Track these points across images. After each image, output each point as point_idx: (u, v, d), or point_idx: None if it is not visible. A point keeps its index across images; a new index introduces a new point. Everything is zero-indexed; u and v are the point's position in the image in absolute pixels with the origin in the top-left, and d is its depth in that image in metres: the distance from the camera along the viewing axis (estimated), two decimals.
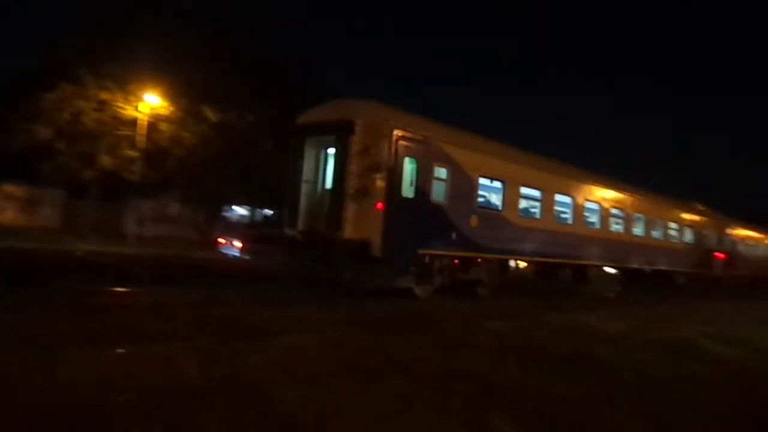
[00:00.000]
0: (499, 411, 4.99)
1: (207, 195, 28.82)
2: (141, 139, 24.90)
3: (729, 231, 28.39)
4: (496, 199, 14.91)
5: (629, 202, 20.29)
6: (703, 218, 25.77)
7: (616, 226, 19.68)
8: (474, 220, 13.55)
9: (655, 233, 22.20)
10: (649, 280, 21.62)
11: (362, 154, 11.41)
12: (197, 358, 5.78)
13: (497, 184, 14.60)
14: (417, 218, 12.04)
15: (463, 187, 13.28)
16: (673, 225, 23.59)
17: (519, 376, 6.46)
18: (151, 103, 24.90)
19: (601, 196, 18.65)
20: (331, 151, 12.29)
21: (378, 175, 11.38)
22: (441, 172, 12.71)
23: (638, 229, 20.99)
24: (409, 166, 12.03)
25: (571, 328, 10.47)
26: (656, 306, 16.52)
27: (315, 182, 12.73)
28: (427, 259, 12.61)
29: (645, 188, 22.59)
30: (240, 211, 38.35)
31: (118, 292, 10.51)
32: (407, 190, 11.99)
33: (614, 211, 19.37)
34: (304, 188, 12.60)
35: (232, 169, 27.64)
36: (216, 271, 16.51)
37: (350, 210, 11.33)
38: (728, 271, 27.48)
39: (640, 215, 21.04)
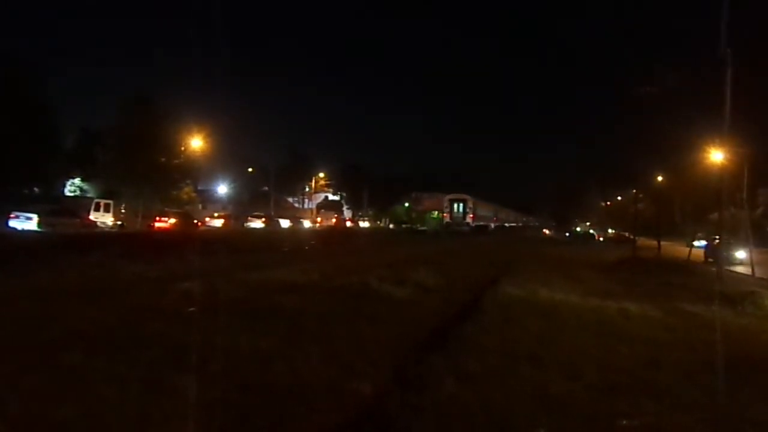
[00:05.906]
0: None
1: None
2: None
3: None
4: (486, 213, 66.07)
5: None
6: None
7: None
8: (483, 218, 64.45)
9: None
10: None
11: (467, 206, 61.43)
12: None
13: (488, 208, 65.95)
14: (477, 218, 62.32)
15: (482, 211, 64.28)
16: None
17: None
18: None
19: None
20: (461, 205, 62.07)
21: (471, 210, 61.43)
22: (480, 209, 63.70)
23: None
24: (474, 208, 62.34)
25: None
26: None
27: (456, 211, 62.31)
28: (475, 226, 62.73)
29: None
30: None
31: None
32: (476, 212, 62.36)
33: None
34: (452, 212, 62.20)
35: None
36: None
37: (466, 216, 61.25)
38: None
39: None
